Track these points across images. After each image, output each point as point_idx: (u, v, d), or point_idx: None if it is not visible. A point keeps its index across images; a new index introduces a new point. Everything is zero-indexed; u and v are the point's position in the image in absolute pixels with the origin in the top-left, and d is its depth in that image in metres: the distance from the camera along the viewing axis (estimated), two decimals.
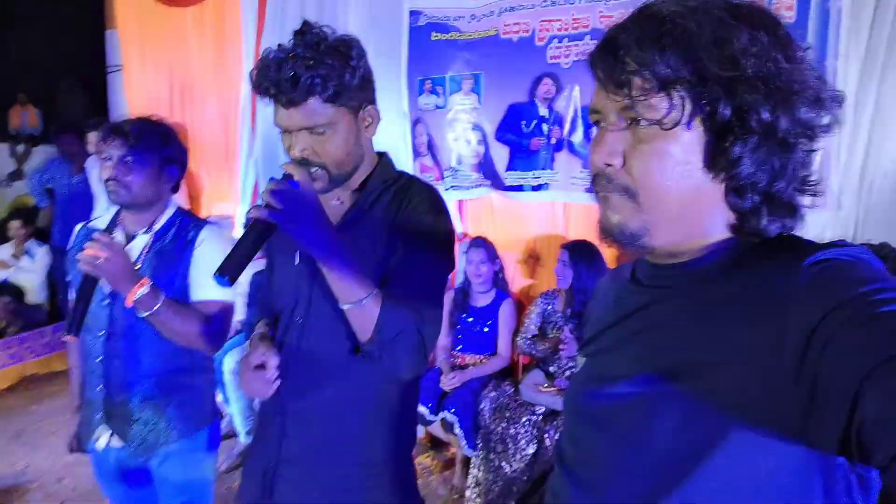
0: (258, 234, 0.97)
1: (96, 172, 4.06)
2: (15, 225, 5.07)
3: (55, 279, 5.00)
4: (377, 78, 1.20)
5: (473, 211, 3.48)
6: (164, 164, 1.67)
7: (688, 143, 0.63)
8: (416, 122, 3.49)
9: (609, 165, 0.66)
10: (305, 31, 1.09)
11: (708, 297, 0.64)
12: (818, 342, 0.52)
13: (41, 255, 5.08)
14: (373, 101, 1.19)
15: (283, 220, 0.97)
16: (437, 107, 3.41)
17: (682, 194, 0.64)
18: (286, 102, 1.09)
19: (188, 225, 1.70)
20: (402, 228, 1.15)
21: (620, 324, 0.74)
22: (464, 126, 3.35)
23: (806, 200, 0.66)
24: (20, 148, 7.46)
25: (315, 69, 1.05)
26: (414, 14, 3.40)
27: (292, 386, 1.18)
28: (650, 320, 0.70)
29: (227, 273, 0.94)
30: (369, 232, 1.18)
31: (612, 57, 0.64)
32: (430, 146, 3.46)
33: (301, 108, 1.09)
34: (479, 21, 3.23)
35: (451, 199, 3.43)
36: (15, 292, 4.84)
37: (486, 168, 3.32)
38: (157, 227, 1.69)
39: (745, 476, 0.58)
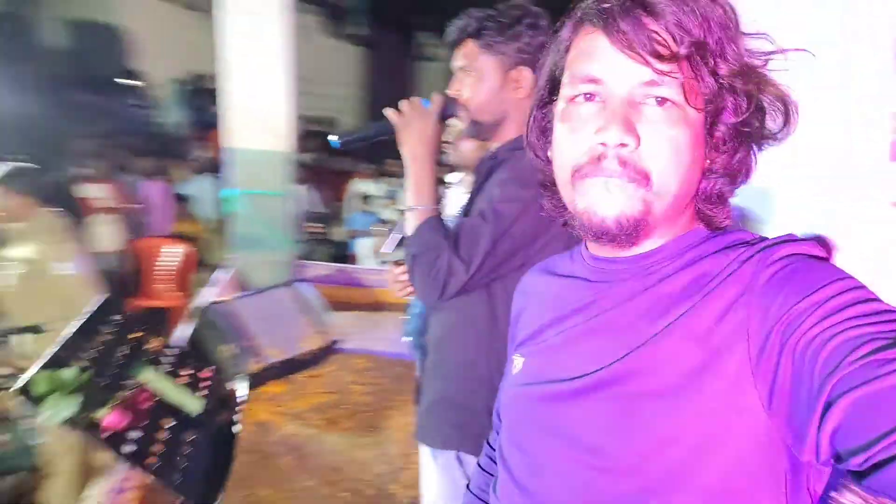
0: (379, 127, 1.24)
1: None
2: None
3: None
4: None
5: None
6: None
7: (699, 133, 0.61)
8: None
9: (624, 146, 0.59)
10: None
11: (662, 291, 0.61)
12: (777, 341, 0.51)
13: None
14: (532, 68, 1.25)
15: (400, 123, 1.22)
16: None
17: (687, 183, 0.62)
18: (453, 43, 1.29)
19: None
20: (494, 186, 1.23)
21: (564, 321, 0.69)
22: None
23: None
24: None
25: (479, 20, 1.24)
26: None
27: (433, 316, 1.37)
28: (602, 317, 0.65)
29: (340, 138, 1.24)
30: (482, 195, 1.26)
31: (666, 25, 0.57)
32: None
33: (460, 50, 1.28)
34: None
35: None
36: None
37: None
38: None
39: (705, 470, 0.55)
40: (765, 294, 0.54)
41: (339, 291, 4.70)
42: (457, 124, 1.33)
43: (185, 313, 3.54)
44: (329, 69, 8.99)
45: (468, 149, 1.79)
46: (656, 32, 0.56)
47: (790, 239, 0.59)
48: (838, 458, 0.47)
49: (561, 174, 0.65)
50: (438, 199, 1.23)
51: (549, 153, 0.69)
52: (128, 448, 1.14)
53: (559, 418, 0.65)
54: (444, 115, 1.26)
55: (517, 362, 0.75)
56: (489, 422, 1.07)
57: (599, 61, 0.60)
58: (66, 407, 1.05)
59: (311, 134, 7.31)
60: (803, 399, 0.48)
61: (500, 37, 1.23)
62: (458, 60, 1.28)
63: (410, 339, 1.89)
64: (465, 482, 1.17)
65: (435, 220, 1.19)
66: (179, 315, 3.71)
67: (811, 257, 0.56)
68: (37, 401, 1.04)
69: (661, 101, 0.59)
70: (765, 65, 0.61)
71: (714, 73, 0.58)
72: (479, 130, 1.30)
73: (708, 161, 0.63)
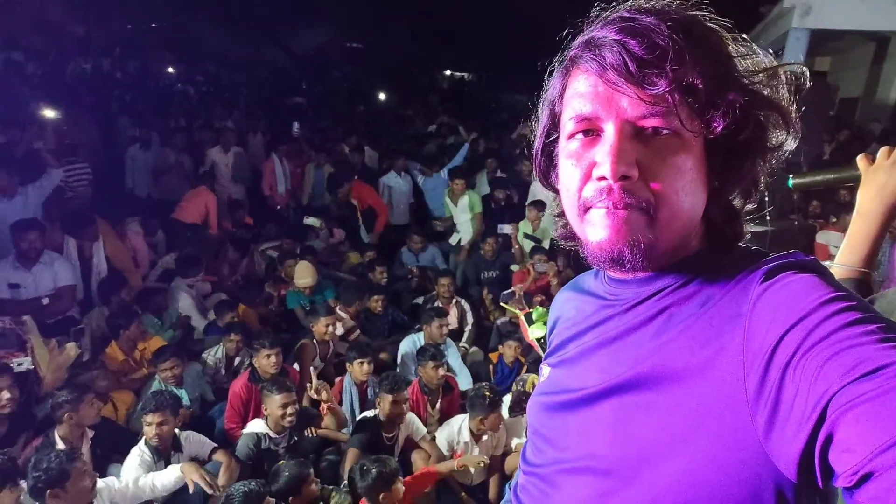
0: (843, 173, 1.11)
1: None
2: None
3: None
4: None
5: None
6: None
7: (700, 155, 0.63)
8: None
9: (626, 178, 0.61)
10: None
11: (669, 311, 0.64)
12: (779, 361, 0.52)
13: None
14: None
15: (866, 172, 1.06)
16: None
17: (693, 206, 0.64)
18: None
19: None
20: None
21: (582, 336, 0.74)
22: None
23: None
24: None
25: None
26: None
27: None
28: (611, 334, 0.69)
29: (796, 179, 1.15)
30: None
31: (652, 58, 0.58)
32: None
33: None
34: None
35: None
36: None
37: None
38: None
39: (699, 488, 0.56)
40: (760, 316, 0.55)
41: None
42: None
43: None
44: None
45: None
46: (646, 66, 0.58)
47: (790, 257, 0.61)
48: (834, 476, 0.48)
49: (569, 207, 0.69)
50: (869, 264, 1.08)
51: (556, 184, 0.73)
52: None
53: (566, 424, 0.71)
54: None
55: (545, 371, 0.82)
56: None
57: (593, 100, 0.63)
58: (540, 331, 1.67)
59: None
60: (799, 420, 0.49)
61: None
62: None
63: None
64: None
65: (848, 284, 1.05)
66: None
67: (808, 275, 0.57)
68: (531, 321, 1.71)
69: (658, 130, 0.61)
70: (758, 81, 0.63)
71: (708, 97, 0.59)
72: None
73: (715, 181, 0.65)
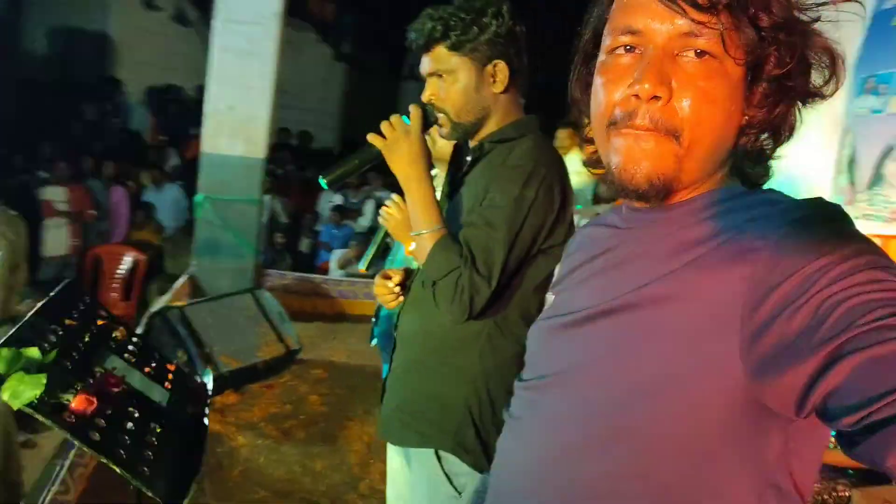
0: (364, 154, 1.22)
1: None
2: None
3: None
4: None
5: None
6: None
7: (738, 86, 0.61)
8: (846, 132, 2.58)
9: (656, 98, 0.59)
10: None
11: (679, 239, 0.62)
12: (781, 297, 0.50)
13: None
14: (506, 59, 1.25)
15: (385, 147, 1.19)
16: (874, 111, 2.41)
17: (721, 139, 0.62)
18: (419, 49, 1.26)
19: None
20: (488, 185, 1.21)
21: (592, 262, 0.73)
22: None
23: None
24: None
25: (443, 21, 1.20)
26: None
27: (404, 313, 1.35)
28: (618, 259, 0.69)
29: (328, 177, 1.22)
30: (469, 189, 1.27)
31: None
32: (852, 160, 2.51)
33: (429, 55, 1.25)
34: None
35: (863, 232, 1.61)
36: None
37: None
38: None
39: (674, 406, 0.57)
40: (776, 250, 0.53)
41: (303, 301, 4.70)
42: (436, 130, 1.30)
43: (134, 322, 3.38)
44: (314, 85, 9.23)
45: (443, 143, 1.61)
46: None
47: (815, 201, 0.58)
48: (829, 417, 0.47)
49: (597, 127, 0.66)
50: (441, 214, 1.22)
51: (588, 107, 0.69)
52: (95, 435, 1.08)
53: (561, 343, 0.70)
54: (427, 126, 1.24)
55: (548, 300, 0.80)
56: (468, 419, 1.19)
57: (639, 12, 0.60)
58: (32, 387, 0.98)
59: (285, 146, 7.73)
60: (801, 355, 0.48)
61: (468, 34, 1.21)
62: (429, 66, 1.26)
63: (376, 341, 1.87)
64: (447, 480, 1.16)
65: (445, 240, 1.17)
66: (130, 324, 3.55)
67: (832, 219, 0.55)
68: None
69: (700, 53, 0.59)
70: (814, 19, 0.60)
71: (756, 25, 0.58)
72: (462, 132, 1.29)
73: (746, 116, 0.62)
